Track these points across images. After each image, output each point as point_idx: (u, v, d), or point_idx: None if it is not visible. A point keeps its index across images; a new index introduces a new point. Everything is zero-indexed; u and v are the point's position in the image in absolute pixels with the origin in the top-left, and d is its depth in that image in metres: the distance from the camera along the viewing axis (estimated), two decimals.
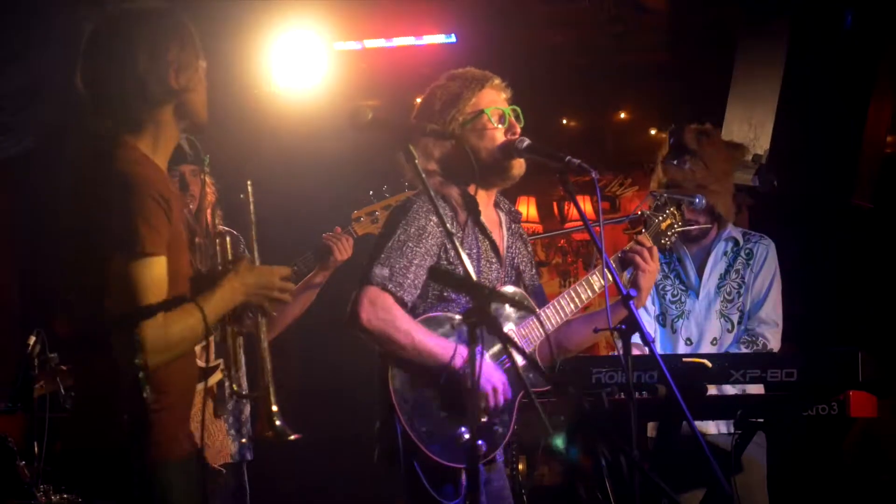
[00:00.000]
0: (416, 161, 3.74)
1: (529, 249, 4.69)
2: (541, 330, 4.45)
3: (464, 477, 4.16)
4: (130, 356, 3.23)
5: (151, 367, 3.26)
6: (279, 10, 7.74)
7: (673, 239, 5.01)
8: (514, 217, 4.65)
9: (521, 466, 5.74)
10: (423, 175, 3.77)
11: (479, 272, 4.34)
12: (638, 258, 4.55)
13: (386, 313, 4.17)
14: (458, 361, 4.17)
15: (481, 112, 4.42)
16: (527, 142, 4.39)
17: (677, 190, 5.60)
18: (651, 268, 4.56)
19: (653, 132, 10.07)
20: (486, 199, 4.50)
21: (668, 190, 5.60)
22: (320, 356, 8.57)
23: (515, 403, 4.34)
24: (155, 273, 3.31)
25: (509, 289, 4.49)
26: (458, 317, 4.27)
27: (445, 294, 4.30)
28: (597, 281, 4.56)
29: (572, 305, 4.53)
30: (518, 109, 4.48)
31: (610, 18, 7.94)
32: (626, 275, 4.64)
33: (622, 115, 10.31)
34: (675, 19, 8.29)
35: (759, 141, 6.78)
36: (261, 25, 7.53)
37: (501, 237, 4.54)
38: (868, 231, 8.01)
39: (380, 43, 8.42)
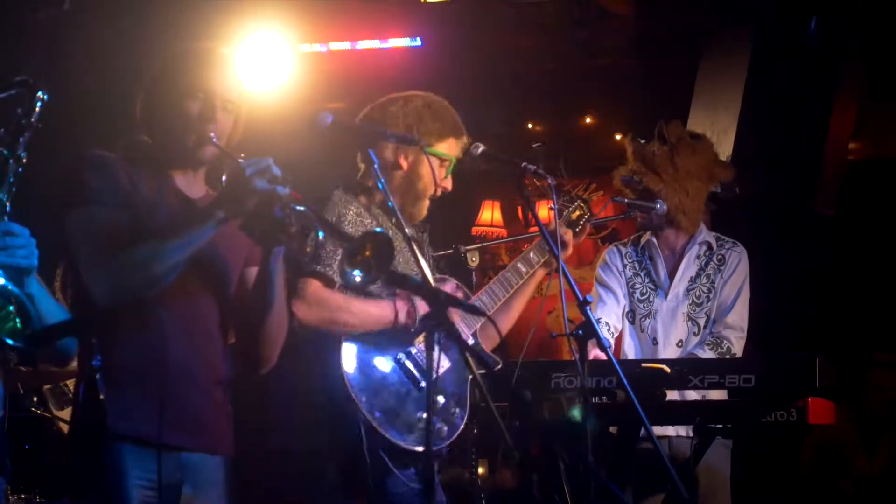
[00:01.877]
0: (375, 165, 3.78)
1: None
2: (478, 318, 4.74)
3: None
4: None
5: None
6: (243, 12, 7.74)
7: (582, 230, 5.31)
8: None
9: (481, 470, 5.78)
10: (382, 178, 3.81)
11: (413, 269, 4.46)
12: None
13: (317, 299, 4.27)
14: (402, 317, 4.36)
15: (447, 159, 4.71)
16: (481, 148, 4.47)
17: (631, 186, 5.72)
18: (568, 238, 5.15)
19: (618, 137, 10.09)
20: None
21: (625, 180, 5.72)
22: None
23: (467, 389, 4.53)
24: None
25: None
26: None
27: (375, 290, 4.41)
28: (523, 266, 5.00)
29: (504, 292, 4.90)
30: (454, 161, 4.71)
31: (575, 23, 7.96)
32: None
33: (588, 120, 10.35)
34: (639, 24, 8.32)
35: (722, 147, 6.82)
36: (225, 27, 7.52)
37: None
38: (830, 237, 8.08)
39: (345, 46, 8.42)
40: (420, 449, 4.25)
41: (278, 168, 3.53)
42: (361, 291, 4.33)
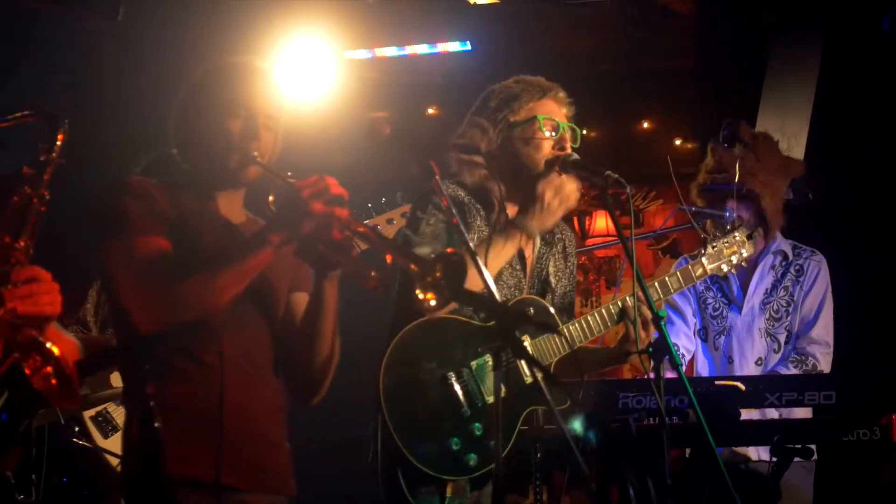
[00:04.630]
0: (437, 177, 3.78)
1: (571, 264, 4.75)
2: (562, 346, 4.52)
3: (449, 490, 4.20)
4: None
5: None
6: (286, 18, 7.78)
7: (731, 271, 5.02)
8: (554, 231, 4.71)
9: (544, 497, 5.76)
10: (445, 192, 3.81)
11: (498, 276, 4.41)
12: (629, 321, 4.58)
13: None
14: None
15: (534, 118, 4.50)
16: (574, 156, 4.46)
17: (714, 191, 5.65)
18: (640, 337, 4.57)
19: (678, 142, 10.10)
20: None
21: (705, 190, 5.66)
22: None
23: (518, 421, 4.39)
24: None
25: (528, 300, 4.56)
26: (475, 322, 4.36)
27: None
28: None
29: (601, 326, 4.59)
30: (577, 129, 4.56)
31: (633, 23, 7.95)
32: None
33: (645, 125, 10.36)
34: (703, 23, 8.30)
35: (793, 151, 6.80)
36: (267, 33, 7.57)
37: (532, 245, 4.61)
38: None
39: (391, 51, 8.46)
40: (445, 477, 4.22)
41: (340, 188, 3.53)
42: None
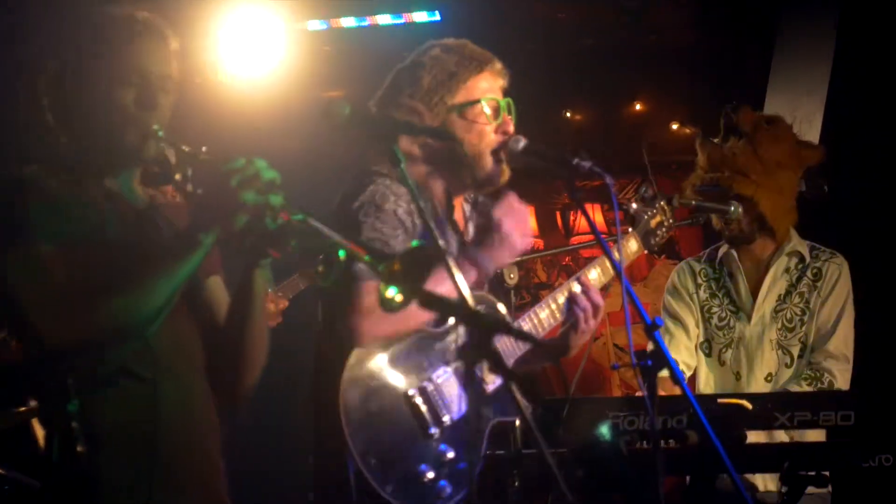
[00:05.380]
0: (402, 164, 3.75)
1: None
2: (516, 345, 4.53)
3: None
4: None
5: None
6: None
7: (662, 240, 5.07)
8: (483, 208, 4.66)
9: None
10: (411, 180, 3.77)
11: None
12: (577, 309, 4.56)
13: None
14: None
15: (476, 101, 4.44)
16: (523, 142, 4.41)
17: (712, 189, 5.63)
18: (589, 327, 4.57)
19: (675, 127, 10.11)
20: (458, 201, 4.61)
21: (701, 189, 5.64)
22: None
23: (484, 435, 4.36)
24: None
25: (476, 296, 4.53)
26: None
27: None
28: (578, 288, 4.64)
29: (552, 320, 4.62)
30: (512, 103, 4.51)
31: None
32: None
33: (637, 107, 10.36)
34: None
35: (806, 137, 6.79)
36: (206, 3, 7.53)
37: (466, 233, 4.62)
38: None
39: (350, 22, 8.42)
40: None
41: (271, 171, 3.46)
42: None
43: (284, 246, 3.47)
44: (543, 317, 4.63)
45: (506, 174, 4.48)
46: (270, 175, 3.42)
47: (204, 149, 3.54)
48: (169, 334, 3.56)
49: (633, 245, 4.98)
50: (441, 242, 3.77)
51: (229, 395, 3.80)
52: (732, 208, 5.60)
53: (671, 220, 5.13)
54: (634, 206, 5.03)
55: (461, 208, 4.63)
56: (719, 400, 4.97)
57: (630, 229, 4.97)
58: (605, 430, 4.50)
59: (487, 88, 4.47)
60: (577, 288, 4.61)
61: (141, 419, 3.50)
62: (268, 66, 8.09)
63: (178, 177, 3.58)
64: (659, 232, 5.07)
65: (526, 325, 4.59)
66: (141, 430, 3.50)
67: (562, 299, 4.63)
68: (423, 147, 4.48)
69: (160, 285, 3.40)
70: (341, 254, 3.34)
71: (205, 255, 3.43)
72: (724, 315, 5.76)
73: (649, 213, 5.03)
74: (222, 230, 3.41)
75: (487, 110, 4.43)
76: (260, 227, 3.41)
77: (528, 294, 10.67)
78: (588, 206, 10.68)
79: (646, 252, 5.06)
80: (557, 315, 4.63)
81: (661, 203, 5.10)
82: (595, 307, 4.56)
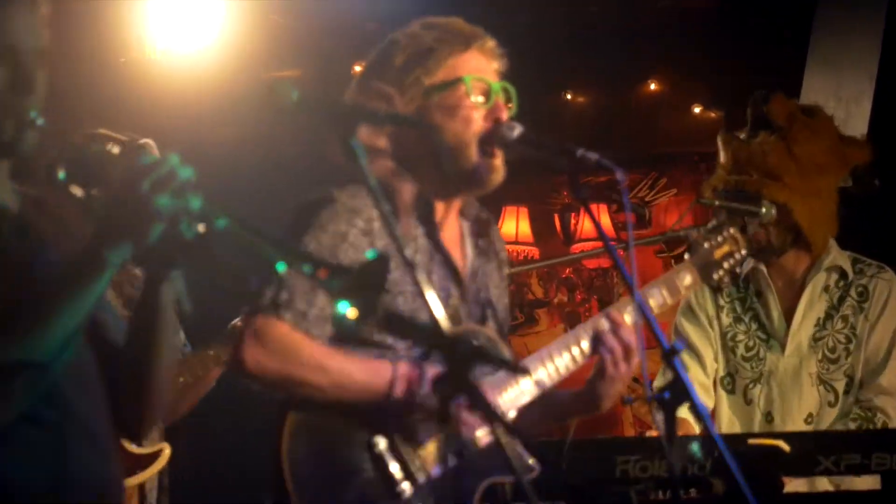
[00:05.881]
0: (361, 160, 3.71)
1: (505, 275, 4.67)
2: (526, 395, 4.39)
3: None
4: None
5: None
6: None
7: (727, 278, 4.96)
8: (483, 227, 4.61)
9: None
10: (370, 176, 3.73)
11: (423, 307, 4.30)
12: (605, 352, 4.44)
13: (281, 346, 4.13)
14: (400, 388, 4.08)
15: (458, 80, 4.38)
16: (518, 129, 4.36)
17: (738, 194, 5.57)
18: (619, 373, 4.42)
19: (697, 111, 10.14)
20: (443, 209, 4.49)
21: (725, 194, 5.58)
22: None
23: (477, 494, 4.26)
24: None
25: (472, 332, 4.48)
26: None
27: (379, 339, 4.26)
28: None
29: (571, 364, 4.51)
30: (511, 89, 4.46)
31: None
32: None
33: (652, 87, 10.43)
34: None
35: (853, 122, 6.81)
36: None
37: (464, 257, 4.52)
38: None
39: None
40: None
41: (187, 168, 3.41)
42: (371, 342, 4.23)
43: (203, 258, 3.42)
44: (561, 364, 4.53)
45: (498, 171, 4.38)
46: (186, 173, 3.34)
47: (101, 130, 3.47)
48: (73, 364, 3.52)
49: (687, 279, 4.77)
50: (408, 252, 3.76)
51: (133, 431, 3.83)
52: (764, 209, 5.51)
53: (743, 253, 4.96)
54: (696, 230, 4.95)
55: (457, 227, 4.55)
56: (750, 440, 4.96)
57: (686, 256, 4.88)
58: (695, 448, 4.49)
59: (474, 68, 4.43)
60: (605, 325, 4.51)
61: (43, 473, 3.46)
62: (204, 41, 8.11)
63: (60, 174, 3.52)
64: (725, 264, 4.90)
65: (541, 367, 4.51)
66: (44, 487, 3.45)
67: (586, 342, 4.52)
68: (393, 138, 4.44)
69: (59, 320, 3.35)
70: (279, 267, 3.29)
71: (111, 277, 3.38)
72: (751, 344, 5.71)
73: (714, 241, 4.92)
74: (134, 245, 3.36)
75: (473, 91, 4.38)
76: (174, 236, 3.36)
77: (522, 313, 10.70)
78: (592, 207, 10.70)
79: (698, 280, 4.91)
80: (579, 360, 4.54)
81: (731, 230, 4.95)
82: (626, 349, 4.46)
